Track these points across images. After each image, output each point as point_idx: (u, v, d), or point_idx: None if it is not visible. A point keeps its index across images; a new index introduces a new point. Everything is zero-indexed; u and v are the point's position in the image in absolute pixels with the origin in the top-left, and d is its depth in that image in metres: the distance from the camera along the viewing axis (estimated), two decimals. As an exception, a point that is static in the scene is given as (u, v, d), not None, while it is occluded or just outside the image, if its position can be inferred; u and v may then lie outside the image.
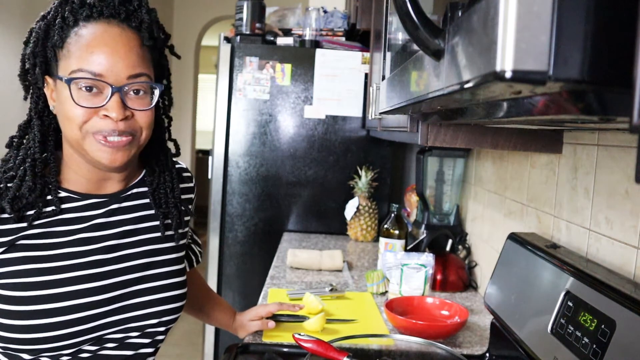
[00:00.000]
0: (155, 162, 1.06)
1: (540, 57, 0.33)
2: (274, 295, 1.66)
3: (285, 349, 1.25)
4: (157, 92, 0.95)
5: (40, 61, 0.93)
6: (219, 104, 2.59)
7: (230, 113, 2.60)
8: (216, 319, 1.37)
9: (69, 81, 0.88)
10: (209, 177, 2.63)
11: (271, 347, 1.26)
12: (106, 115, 0.89)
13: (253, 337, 1.32)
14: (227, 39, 2.59)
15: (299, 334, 1.11)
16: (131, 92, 0.92)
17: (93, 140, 0.90)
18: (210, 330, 2.62)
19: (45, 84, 0.95)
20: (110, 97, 0.89)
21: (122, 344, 0.98)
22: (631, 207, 0.95)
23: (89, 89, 0.89)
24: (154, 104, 0.95)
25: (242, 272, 2.64)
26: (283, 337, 1.31)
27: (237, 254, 2.63)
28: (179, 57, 1.11)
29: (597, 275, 0.86)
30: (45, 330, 0.89)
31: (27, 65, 0.95)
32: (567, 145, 1.20)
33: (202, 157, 7.00)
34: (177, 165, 1.13)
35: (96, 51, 0.88)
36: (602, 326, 0.77)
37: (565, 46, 0.33)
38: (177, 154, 1.11)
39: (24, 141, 0.96)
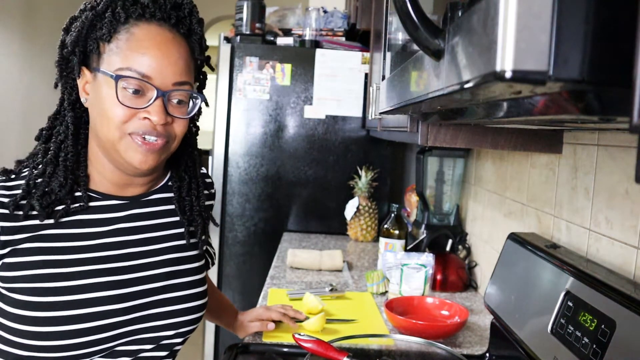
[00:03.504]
0: (184, 170, 1.04)
1: (540, 57, 0.33)
2: (274, 295, 1.66)
3: (285, 349, 1.25)
4: (198, 102, 0.95)
5: (80, 51, 0.90)
6: (219, 104, 2.59)
7: (230, 113, 2.60)
8: (219, 317, 1.37)
9: (117, 78, 0.86)
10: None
11: (271, 347, 1.26)
12: (146, 118, 0.88)
13: (253, 337, 1.32)
14: (227, 39, 2.59)
15: (299, 334, 1.11)
16: (173, 100, 0.91)
17: (130, 140, 0.88)
18: (210, 330, 2.62)
19: (80, 75, 0.92)
20: (154, 100, 0.87)
21: (135, 358, 0.95)
22: (631, 207, 0.95)
23: (135, 90, 0.87)
24: (192, 113, 0.94)
25: (242, 272, 2.64)
26: (283, 337, 1.31)
27: (237, 254, 2.63)
28: (213, 69, 1.10)
29: (597, 275, 0.86)
30: (57, 338, 0.86)
31: (64, 53, 0.92)
32: (567, 145, 1.20)
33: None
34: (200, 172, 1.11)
35: (148, 53, 0.87)
36: (602, 326, 0.77)
37: (565, 46, 0.33)
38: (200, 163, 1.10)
39: (54, 132, 0.94)
